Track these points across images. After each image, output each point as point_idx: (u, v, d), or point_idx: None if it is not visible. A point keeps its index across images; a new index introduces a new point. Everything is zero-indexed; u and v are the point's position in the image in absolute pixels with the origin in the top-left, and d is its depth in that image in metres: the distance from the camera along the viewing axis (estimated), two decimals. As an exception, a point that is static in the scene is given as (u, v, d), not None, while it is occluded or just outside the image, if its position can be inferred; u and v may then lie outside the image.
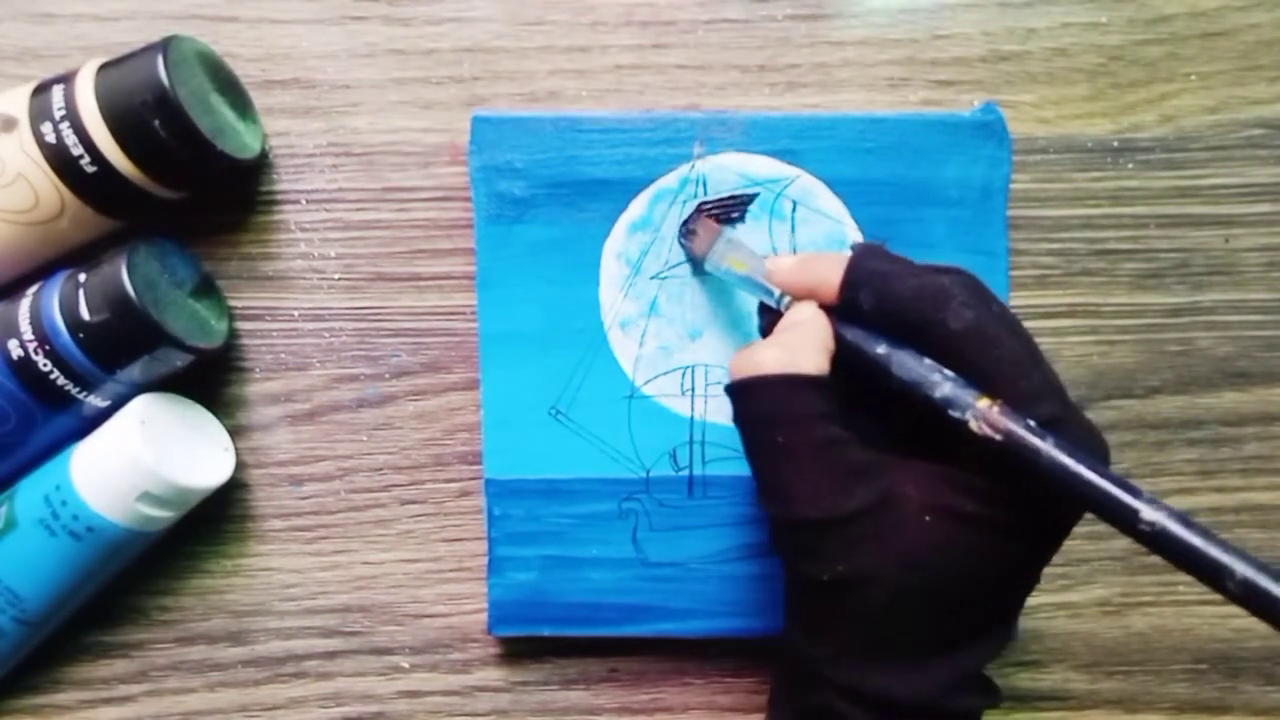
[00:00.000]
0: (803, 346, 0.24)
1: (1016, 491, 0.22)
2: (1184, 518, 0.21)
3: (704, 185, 0.31)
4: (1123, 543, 0.33)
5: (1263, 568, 0.20)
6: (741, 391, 0.24)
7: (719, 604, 0.31)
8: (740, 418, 0.25)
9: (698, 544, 0.31)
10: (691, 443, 0.31)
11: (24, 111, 0.27)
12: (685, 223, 0.30)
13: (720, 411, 0.31)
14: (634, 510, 0.31)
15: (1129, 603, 0.33)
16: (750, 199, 0.31)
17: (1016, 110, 0.33)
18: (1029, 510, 0.23)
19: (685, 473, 0.31)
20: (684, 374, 0.31)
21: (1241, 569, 0.20)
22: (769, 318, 0.27)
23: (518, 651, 0.33)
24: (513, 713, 0.32)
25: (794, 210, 0.31)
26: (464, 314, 0.32)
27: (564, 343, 0.31)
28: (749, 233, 0.31)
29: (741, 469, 0.31)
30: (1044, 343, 0.32)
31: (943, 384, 0.23)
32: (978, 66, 0.33)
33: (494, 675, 0.33)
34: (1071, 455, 0.21)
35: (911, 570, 0.22)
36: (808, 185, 0.31)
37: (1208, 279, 0.33)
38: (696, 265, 0.31)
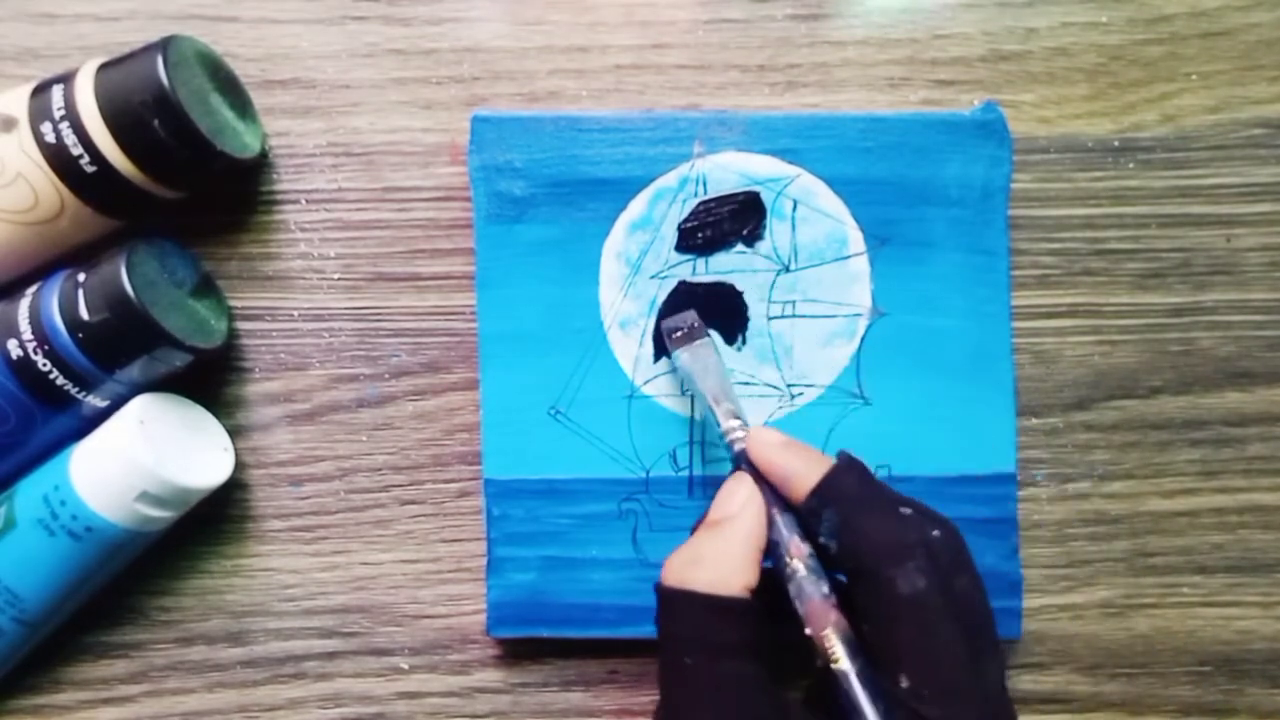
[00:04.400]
0: (735, 559, 0.23)
1: None
2: None
3: (704, 184, 0.31)
4: (1125, 544, 0.33)
5: None
6: (665, 600, 0.24)
7: (719, 605, 0.31)
8: (659, 626, 0.24)
9: (698, 545, 0.31)
10: (691, 443, 0.31)
11: (24, 111, 0.27)
12: (669, 321, 0.30)
13: (720, 411, 0.31)
14: (634, 511, 0.31)
15: (1132, 604, 0.33)
16: (753, 199, 0.31)
17: (1017, 110, 0.33)
18: None
19: (685, 473, 0.31)
20: (693, 400, 0.31)
21: None
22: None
23: (517, 653, 0.32)
24: (512, 714, 0.32)
25: (794, 209, 0.31)
26: (464, 314, 0.32)
27: (564, 342, 0.31)
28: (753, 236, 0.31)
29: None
30: (1045, 343, 0.32)
31: (848, 660, 0.22)
32: (978, 66, 0.33)
33: (493, 676, 0.32)
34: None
35: None
36: (808, 184, 0.31)
37: (1209, 279, 0.33)
38: (661, 348, 0.31)
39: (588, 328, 0.31)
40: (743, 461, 0.26)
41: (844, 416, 0.31)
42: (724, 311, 0.31)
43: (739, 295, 0.31)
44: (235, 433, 0.32)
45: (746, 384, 0.31)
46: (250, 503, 0.32)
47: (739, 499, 0.24)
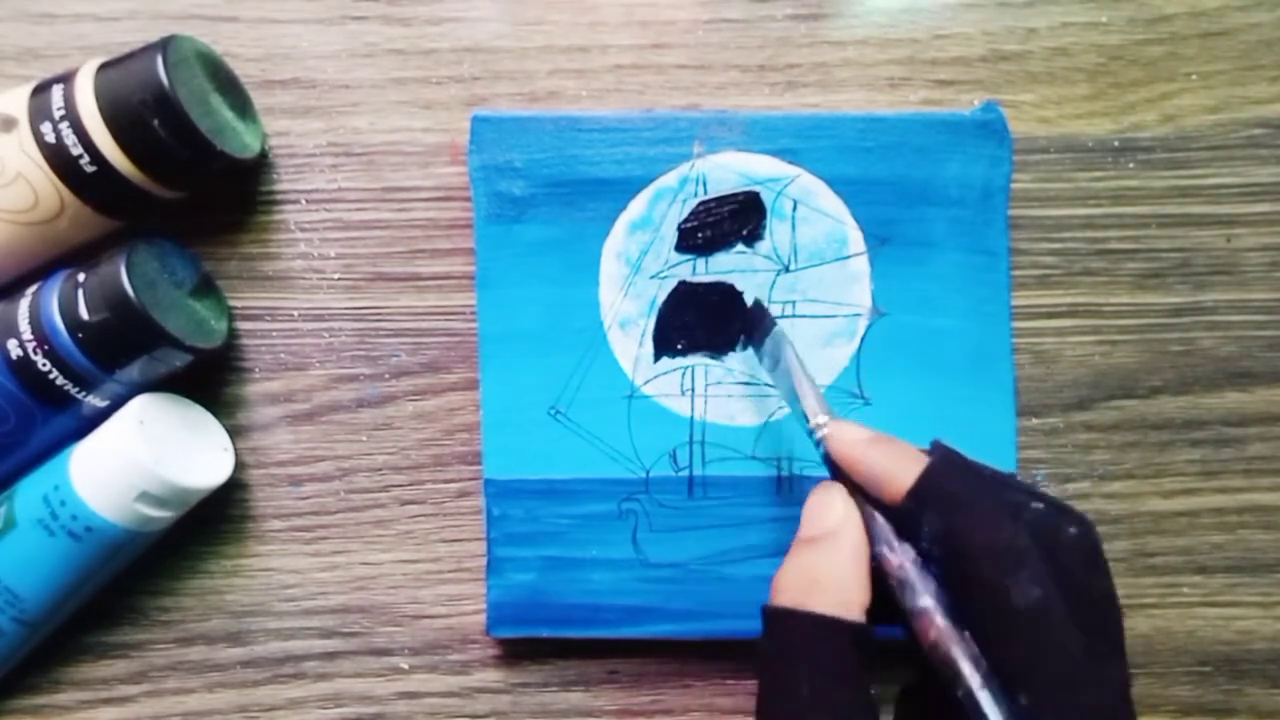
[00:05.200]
0: (852, 579, 0.21)
1: None
2: None
3: (704, 184, 0.31)
4: (1125, 544, 0.33)
5: None
6: (779, 622, 0.22)
7: (719, 605, 0.31)
8: (767, 650, 0.22)
9: (698, 545, 0.31)
10: (691, 443, 0.31)
11: (24, 111, 0.27)
12: (760, 304, 0.29)
13: (720, 412, 0.31)
14: (634, 511, 0.31)
15: (1132, 604, 0.33)
16: (753, 199, 0.31)
17: (1017, 110, 0.33)
18: None
19: (685, 473, 0.31)
20: (684, 374, 0.31)
21: None
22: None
23: (517, 653, 0.32)
24: (512, 714, 0.32)
25: (794, 209, 0.31)
26: (464, 314, 0.32)
27: (563, 342, 0.31)
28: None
29: (741, 469, 0.31)
30: (1045, 343, 0.32)
31: (971, 676, 0.20)
32: (978, 66, 0.33)
33: (493, 676, 0.32)
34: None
35: None
36: (808, 184, 0.31)
37: (1209, 279, 0.33)
38: (755, 337, 0.29)
39: (588, 328, 0.31)
40: (828, 462, 0.24)
41: (844, 417, 0.31)
42: (725, 312, 0.31)
43: (739, 295, 0.31)
44: (235, 433, 0.32)
45: (747, 384, 0.31)
46: (250, 503, 0.32)
47: (837, 513, 0.23)
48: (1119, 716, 0.20)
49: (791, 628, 0.22)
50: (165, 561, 0.32)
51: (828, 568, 0.22)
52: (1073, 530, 0.21)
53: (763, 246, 0.31)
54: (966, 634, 0.21)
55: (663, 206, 0.31)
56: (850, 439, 0.23)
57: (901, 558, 0.22)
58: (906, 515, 0.22)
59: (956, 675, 0.20)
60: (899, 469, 0.22)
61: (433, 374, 0.32)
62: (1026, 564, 0.20)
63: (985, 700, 0.20)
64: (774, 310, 0.31)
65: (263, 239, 0.32)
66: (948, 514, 0.21)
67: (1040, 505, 0.21)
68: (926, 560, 0.22)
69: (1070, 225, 0.33)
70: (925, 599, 0.21)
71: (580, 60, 0.32)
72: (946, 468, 0.22)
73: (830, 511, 0.23)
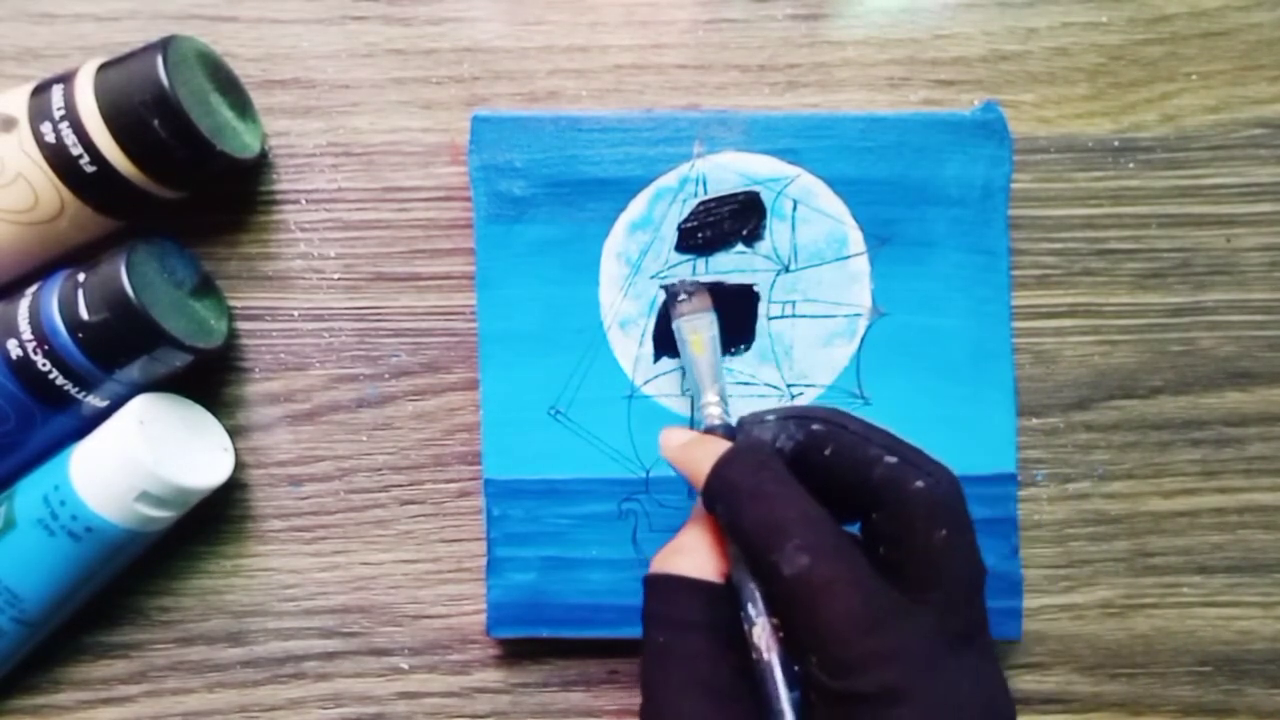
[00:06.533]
0: (712, 547, 0.24)
1: None
2: None
3: (704, 184, 0.31)
4: (1125, 544, 0.33)
5: None
6: (648, 586, 0.25)
7: (719, 605, 0.31)
8: (642, 615, 0.25)
9: (698, 545, 0.31)
10: (691, 443, 0.31)
11: (24, 111, 0.27)
12: (683, 283, 0.30)
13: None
14: (634, 511, 0.31)
15: (1132, 604, 0.33)
16: (753, 199, 0.31)
17: (1017, 110, 0.33)
18: None
19: (685, 473, 0.31)
20: (684, 374, 0.31)
21: None
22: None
23: (517, 653, 0.32)
24: (512, 714, 0.32)
25: (794, 209, 0.31)
26: (464, 314, 0.32)
27: (563, 342, 0.31)
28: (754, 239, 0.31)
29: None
30: (1045, 343, 0.32)
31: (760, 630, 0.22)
32: (978, 66, 0.33)
33: (493, 677, 0.32)
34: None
35: None
36: (808, 184, 0.31)
37: (1209, 279, 0.33)
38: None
39: (588, 328, 0.31)
40: None
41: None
42: (733, 312, 0.31)
43: (753, 294, 0.31)
44: (235, 433, 0.32)
45: (747, 384, 0.31)
46: (250, 503, 0.32)
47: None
48: (921, 663, 0.20)
49: (655, 588, 0.24)
50: (165, 561, 0.32)
51: (692, 539, 0.25)
52: (919, 484, 0.22)
53: (763, 246, 0.31)
54: (772, 620, 0.23)
55: (663, 206, 0.31)
56: (669, 444, 0.26)
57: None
58: (709, 510, 0.24)
59: (755, 650, 0.22)
60: (702, 469, 0.24)
61: (433, 374, 0.32)
62: (793, 535, 0.21)
63: (774, 665, 0.22)
64: (774, 309, 0.31)
65: (263, 239, 0.32)
66: (727, 504, 0.23)
67: (893, 460, 0.23)
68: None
69: (1070, 225, 0.33)
70: (748, 603, 0.23)
71: (580, 60, 0.32)
72: (733, 459, 0.24)
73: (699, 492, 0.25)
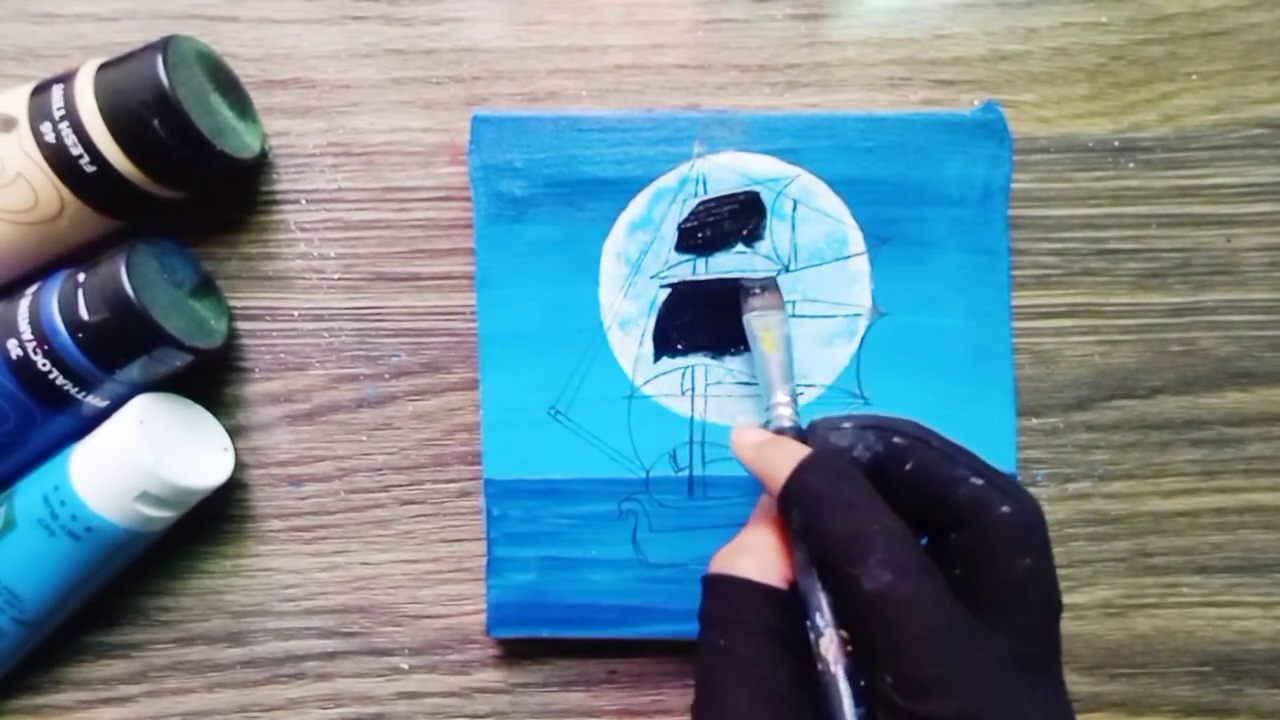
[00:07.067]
0: (776, 551, 0.24)
1: None
2: None
3: (704, 184, 0.31)
4: (1125, 544, 0.33)
5: None
6: (708, 586, 0.24)
7: (719, 605, 0.31)
8: (700, 615, 0.24)
9: (698, 545, 0.31)
10: (691, 443, 0.31)
11: (24, 111, 0.27)
12: (760, 282, 0.30)
13: (720, 411, 0.31)
14: (634, 511, 0.31)
15: (1132, 604, 0.33)
16: (753, 199, 0.31)
17: (1017, 110, 0.33)
18: None
19: (685, 473, 0.31)
20: (684, 374, 0.31)
21: None
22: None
23: (517, 653, 0.32)
24: (512, 714, 0.32)
25: (794, 209, 0.31)
26: (464, 314, 0.32)
27: (563, 342, 0.31)
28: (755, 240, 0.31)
29: (742, 469, 0.31)
30: (1045, 343, 0.32)
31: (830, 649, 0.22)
32: (978, 66, 0.33)
33: (493, 677, 0.32)
34: None
35: None
36: (808, 184, 0.31)
37: (1209, 279, 0.33)
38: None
39: (588, 328, 0.31)
40: None
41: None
42: (726, 312, 0.31)
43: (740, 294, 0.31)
44: (235, 433, 0.32)
45: (747, 384, 0.31)
46: (250, 503, 0.32)
47: (771, 509, 0.25)
48: (997, 685, 0.20)
49: (716, 589, 0.24)
50: (165, 561, 0.32)
51: (755, 540, 0.24)
52: (1005, 509, 0.22)
53: (763, 246, 0.31)
54: (840, 632, 0.22)
55: (663, 206, 0.31)
56: (743, 443, 0.25)
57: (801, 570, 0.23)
58: (784, 516, 0.24)
59: (822, 661, 0.22)
60: (781, 467, 0.23)
61: (433, 374, 0.32)
62: (876, 550, 0.21)
63: (840, 677, 0.22)
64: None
65: (263, 239, 0.32)
66: (806, 511, 0.22)
67: (979, 482, 0.22)
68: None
69: (1070, 225, 0.33)
70: (815, 612, 0.23)
71: (580, 60, 0.32)
72: (813, 466, 0.23)
73: (768, 503, 0.25)
